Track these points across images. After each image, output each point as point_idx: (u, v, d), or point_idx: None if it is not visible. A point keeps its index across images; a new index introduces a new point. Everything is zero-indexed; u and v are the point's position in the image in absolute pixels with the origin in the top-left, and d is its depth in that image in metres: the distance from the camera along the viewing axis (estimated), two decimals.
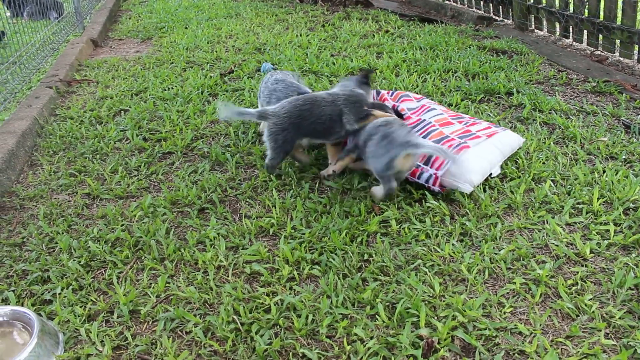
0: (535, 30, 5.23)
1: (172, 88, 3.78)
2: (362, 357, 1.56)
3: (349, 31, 5.23)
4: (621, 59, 4.25)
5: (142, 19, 6.50)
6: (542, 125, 3.03)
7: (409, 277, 1.85)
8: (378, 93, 3.02)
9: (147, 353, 1.62)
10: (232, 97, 3.57)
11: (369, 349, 1.58)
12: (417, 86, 3.61)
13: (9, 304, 1.80)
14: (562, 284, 1.81)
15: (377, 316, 1.70)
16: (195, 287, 1.87)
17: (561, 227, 2.12)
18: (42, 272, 1.97)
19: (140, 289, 1.88)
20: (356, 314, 1.72)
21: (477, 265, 1.92)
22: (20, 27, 4.58)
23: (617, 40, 4.19)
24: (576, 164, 2.57)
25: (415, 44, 4.63)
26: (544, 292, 1.79)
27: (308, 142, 2.66)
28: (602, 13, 4.23)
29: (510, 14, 5.56)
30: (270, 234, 2.17)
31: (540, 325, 1.67)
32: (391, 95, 2.98)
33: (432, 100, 3.08)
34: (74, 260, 2.02)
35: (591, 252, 1.98)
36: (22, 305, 1.81)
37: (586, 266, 1.91)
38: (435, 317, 1.68)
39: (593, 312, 1.69)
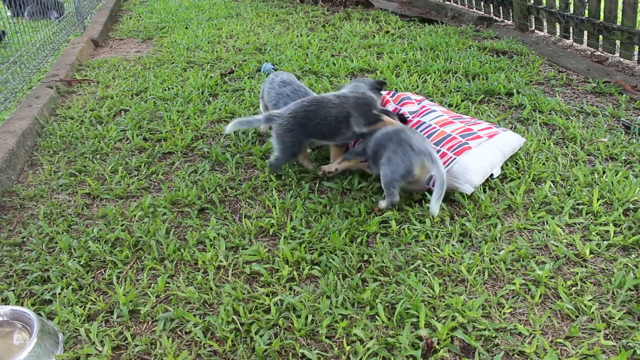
0: (536, 31, 5.24)
1: (173, 88, 3.78)
2: (361, 358, 1.56)
3: (349, 31, 5.23)
4: (621, 59, 4.25)
5: (143, 19, 6.51)
6: (542, 126, 3.03)
7: (408, 278, 1.85)
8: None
9: (146, 353, 1.62)
10: (232, 97, 3.57)
11: (368, 349, 1.58)
12: (418, 87, 3.61)
13: (8, 304, 1.81)
14: (562, 285, 1.81)
15: (376, 317, 1.70)
16: (195, 287, 1.87)
17: (561, 227, 2.12)
18: (42, 272, 1.97)
19: (140, 289, 1.88)
20: (356, 314, 1.72)
21: (477, 265, 1.92)
22: (20, 26, 4.59)
23: (617, 41, 4.20)
24: (576, 165, 2.57)
25: (415, 45, 4.64)
26: (543, 293, 1.79)
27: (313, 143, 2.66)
28: (602, 14, 4.24)
29: (511, 14, 5.56)
30: (270, 234, 2.17)
31: (540, 325, 1.67)
32: (392, 97, 2.97)
33: (432, 101, 3.08)
34: (73, 260, 2.02)
35: (591, 252, 1.98)
36: (22, 305, 1.81)
37: (586, 267, 1.91)
38: (435, 318, 1.68)
39: (592, 312, 1.69)
